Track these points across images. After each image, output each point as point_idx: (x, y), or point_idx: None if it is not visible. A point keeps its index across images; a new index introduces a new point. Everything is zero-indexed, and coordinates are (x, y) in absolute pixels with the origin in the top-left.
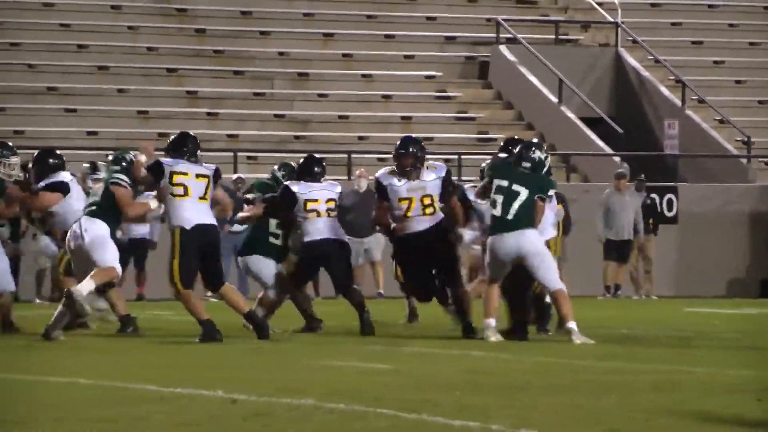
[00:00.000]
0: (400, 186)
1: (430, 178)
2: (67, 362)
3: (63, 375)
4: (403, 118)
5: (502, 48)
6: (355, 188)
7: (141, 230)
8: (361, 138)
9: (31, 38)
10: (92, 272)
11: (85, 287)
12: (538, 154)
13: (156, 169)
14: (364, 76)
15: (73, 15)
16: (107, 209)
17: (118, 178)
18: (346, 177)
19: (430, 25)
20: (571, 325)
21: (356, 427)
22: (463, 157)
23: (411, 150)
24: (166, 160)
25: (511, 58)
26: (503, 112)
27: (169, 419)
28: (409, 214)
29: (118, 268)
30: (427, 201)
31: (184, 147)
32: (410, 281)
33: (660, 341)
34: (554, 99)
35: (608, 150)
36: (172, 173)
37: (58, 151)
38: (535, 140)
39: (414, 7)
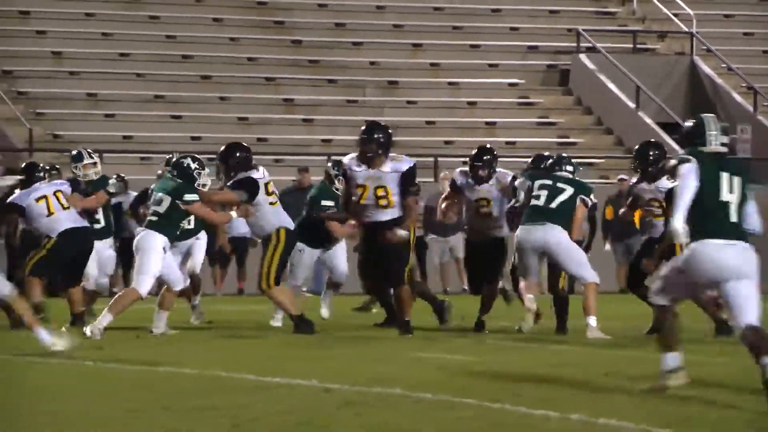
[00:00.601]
0: (359, 172)
1: (388, 170)
2: (174, 353)
3: (170, 365)
4: (487, 123)
5: (582, 57)
6: (440, 190)
7: (242, 229)
8: (447, 142)
9: (140, 49)
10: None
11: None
12: (570, 167)
13: (253, 187)
14: (450, 84)
15: (178, 27)
16: (168, 220)
17: (190, 199)
18: (432, 179)
19: (514, 35)
20: (591, 320)
21: (443, 416)
22: None
23: (375, 136)
24: (257, 176)
25: (591, 66)
26: (583, 118)
27: (269, 407)
28: (362, 201)
29: (147, 286)
30: (380, 192)
31: (251, 160)
32: (359, 269)
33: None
34: (632, 105)
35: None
36: (266, 185)
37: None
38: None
39: (498, 19)
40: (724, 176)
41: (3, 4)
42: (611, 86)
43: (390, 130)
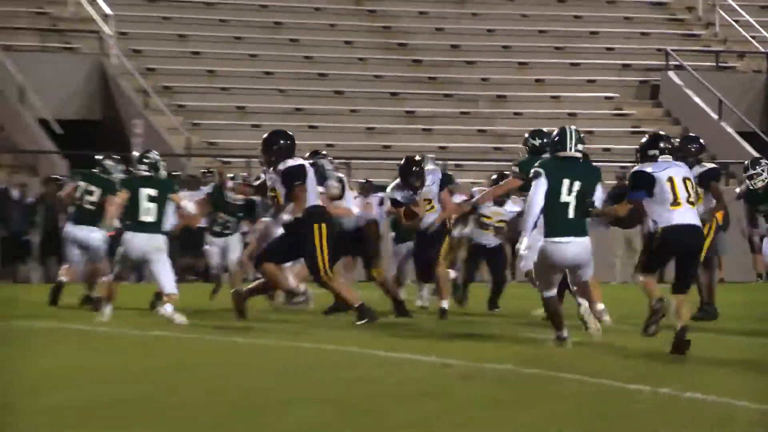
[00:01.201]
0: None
1: (276, 174)
2: (315, 332)
3: (310, 342)
4: (585, 132)
5: (671, 74)
6: None
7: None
8: None
9: (282, 68)
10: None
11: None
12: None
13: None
14: (553, 97)
15: (315, 49)
16: None
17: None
18: None
19: (610, 55)
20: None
21: (551, 389)
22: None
23: (269, 147)
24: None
25: (678, 82)
26: (671, 128)
27: (396, 379)
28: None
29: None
30: (272, 193)
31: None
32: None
33: None
34: (715, 116)
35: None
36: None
37: None
38: None
39: (595, 40)
40: (566, 182)
41: (164, 29)
42: (696, 100)
43: (289, 138)
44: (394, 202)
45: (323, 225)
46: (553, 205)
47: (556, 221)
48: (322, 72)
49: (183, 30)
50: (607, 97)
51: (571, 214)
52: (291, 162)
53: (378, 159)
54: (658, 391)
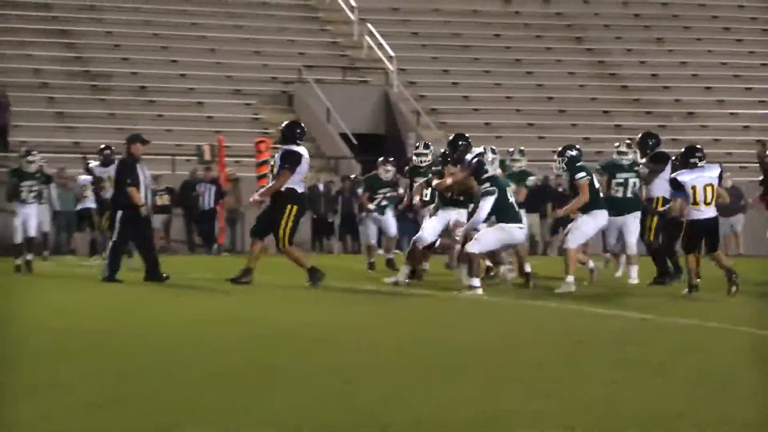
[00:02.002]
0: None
1: (276, 158)
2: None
3: (536, 300)
4: (757, 141)
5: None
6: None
7: None
8: (727, 153)
9: (519, 92)
10: None
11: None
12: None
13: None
14: (731, 114)
15: (545, 77)
16: None
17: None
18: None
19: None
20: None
21: (726, 340)
22: None
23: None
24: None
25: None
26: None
27: (606, 330)
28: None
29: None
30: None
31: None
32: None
33: None
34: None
35: None
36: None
37: None
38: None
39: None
40: (509, 190)
41: (432, 66)
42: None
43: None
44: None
45: (295, 207)
46: None
47: None
48: (550, 96)
49: (446, 66)
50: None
51: None
52: (292, 148)
53: (590, 161)
54: (704, 325)
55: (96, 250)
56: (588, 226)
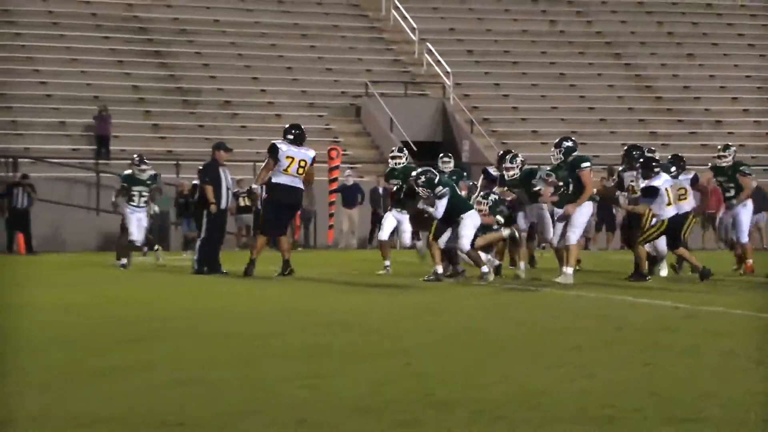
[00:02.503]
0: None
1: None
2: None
3: (580, 291)
4: None
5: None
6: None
7: None
8: None
9: (563, 104)
10: None
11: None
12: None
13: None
14: (756, 122)
15: (588, 90)
16: None
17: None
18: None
19: None
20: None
21: (753, 324)
22: None
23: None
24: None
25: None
26: None
27: (641, 318)
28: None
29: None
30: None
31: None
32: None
33: None
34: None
35: None
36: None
37: None
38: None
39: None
40: (456, 188)
41: (485, 80)
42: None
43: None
44: None
45: (270, 197)
46: None
47: None
48: (591, 106)
49: (497, 81)
50: None
51: None
52: (276, 142)
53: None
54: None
55: (188, 246)
56: (582, 218)
